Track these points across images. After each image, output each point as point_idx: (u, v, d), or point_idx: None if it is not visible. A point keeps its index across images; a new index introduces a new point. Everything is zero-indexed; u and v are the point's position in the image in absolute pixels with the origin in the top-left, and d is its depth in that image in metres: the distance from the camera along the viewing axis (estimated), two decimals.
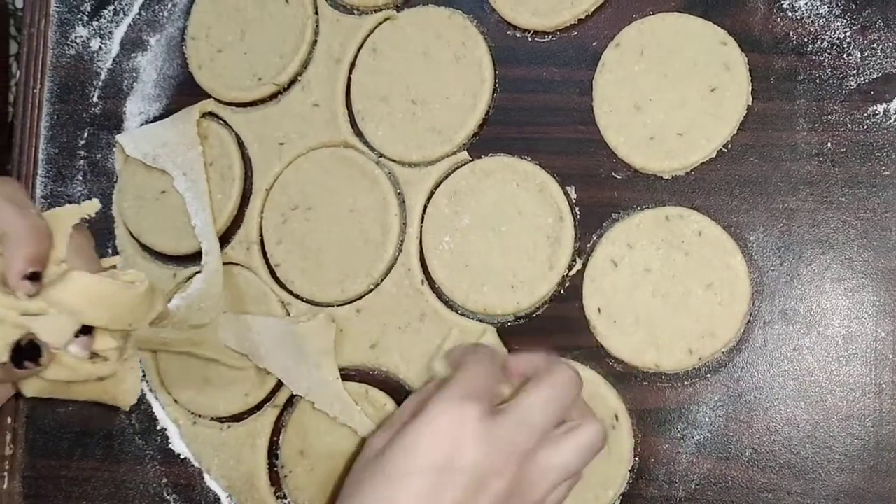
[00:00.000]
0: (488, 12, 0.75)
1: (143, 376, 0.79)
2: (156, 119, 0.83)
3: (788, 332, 0.67)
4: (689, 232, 0.68)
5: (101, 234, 0.84)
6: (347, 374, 0.75)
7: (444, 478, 0.55)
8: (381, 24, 0.78)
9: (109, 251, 0.83)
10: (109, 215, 0.84)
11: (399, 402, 0.73)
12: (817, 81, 0.67)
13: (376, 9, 0.78)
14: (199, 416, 0.78)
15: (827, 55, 0.67)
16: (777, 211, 0.67)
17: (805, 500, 0.65)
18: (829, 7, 0.68)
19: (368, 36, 0.78)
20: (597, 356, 0.70)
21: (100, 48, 0.86)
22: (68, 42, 0.87)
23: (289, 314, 0.77)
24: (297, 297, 0.77)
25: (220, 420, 0.78)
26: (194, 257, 0.80)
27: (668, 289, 0.68)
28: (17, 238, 0.56)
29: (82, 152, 0.85)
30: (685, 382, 0.68)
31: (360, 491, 0.57)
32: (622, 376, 0.69)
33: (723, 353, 0.67)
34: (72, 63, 0.87)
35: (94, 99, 0.86)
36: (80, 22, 0.87)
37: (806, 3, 0.68)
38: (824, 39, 0.68)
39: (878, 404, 0.64)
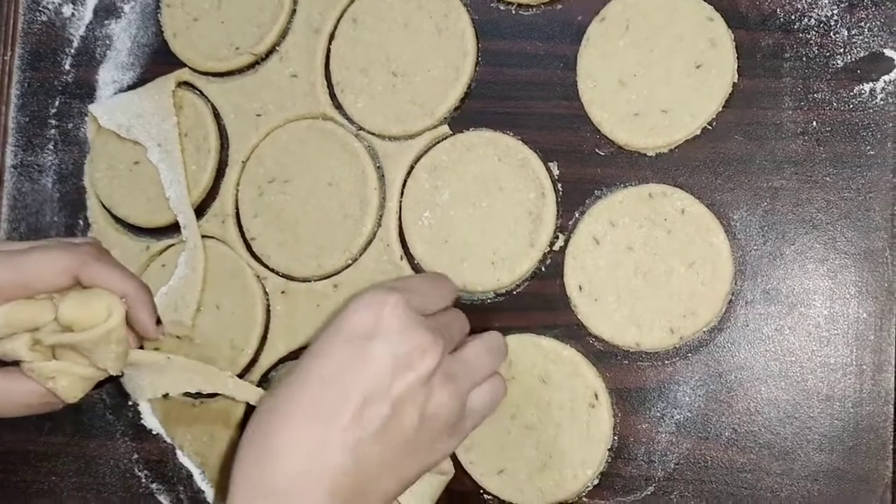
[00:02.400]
0: None
1: None
2: (129, 88, 0.81)
3: (770, 311, 0.66)
4: (672, 210, 0.67)
5: (72, 206, 0.82)
6: None
7: (367, 347, 0.56)
8: None
9: (80, 222, 0.82)
10: (81, 186, 0.82)
11: None
12: (804, 59, 0.67)
13: None
14: None
15: (814, 33, 0.67)
16: (761, 190, 0.67)
17: (784, 481, 0.64)
18: None
19: (349, 6, 0.76)
20: (577, 334, 0.69)
21: (72, 14, 0.84)
22: (40, 8, 0.85)
23: (265, 289, 0.76)
24: (273, 271, 0.76)
25: (193, 396, 0.76)
26: (168, 230, 0.79)
27: (650, 267, 0.67)
28: (137, 297, 0.64)
29: (53, 121, 0.83)
30: (666, 362, 0.67)
31: (287, 375, 0.58)
32: (602, 355, 0.69)
33: (704, 332, 0.67)
34: (43, 29, 0.84)
35: (66, 67, 0.84)
36: None
37: None
38: (812, 17, 0.67)
39: (859, 385, 0.64)
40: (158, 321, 0.66)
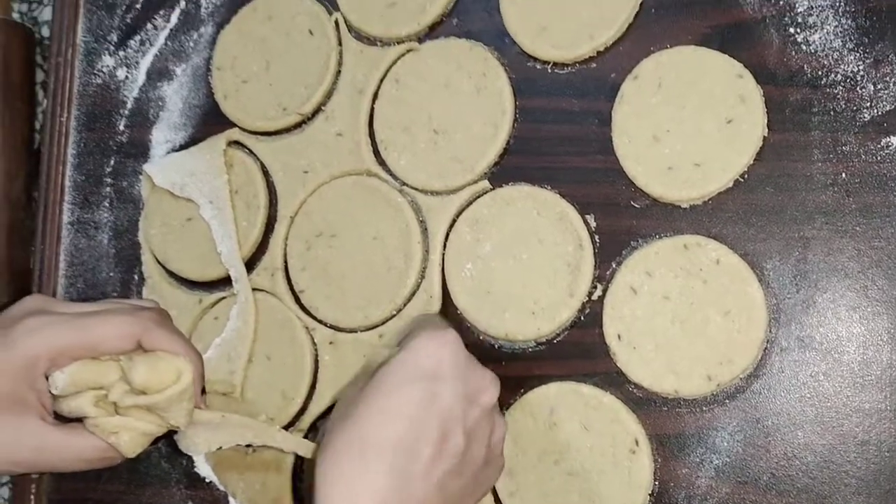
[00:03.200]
0: (509, 44, 0.77)
1: None
2: (181, 147, 0.85)
3: (805, 358, 0.68)
4: (706, 260, 0.69)
5: (127, 261, 0.85)
6: None
7: (436, 385, 0.59)
8: (403, 55, 0.79)
9: (135, 277, 0.85)
10: (136, 242, 0.85)
11: None
12: (831, 113, 0.69)
13: (399, 41, 0.80)
14: None
15: (841, 88, 0.69)
16: (793, 239, 0.68)
17: None
18: (842, 41, 0.69)
19: (391, 67, 0.79)
20: (616, 382, 0.71)
21: (126, 77, 0.88)
22: (95, 71, 0.89)
23: (313, 340, 0.78)
24: (321, 322, 0.79)
25: (245, 445, 0.79)
26: (219, 283, 0.82)
27: (687, 316, 0.69)
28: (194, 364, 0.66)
29: (109, 179, 0.87)
30: (704, 408, 0.69)
31: (355, 411, 0.60)
32: (642, 402, 0.70)
33: (741, 379, 0.69)
34: (98, 92, 0.88)
35: (121, 127, 0.87)
36: (106, 51, 0.89)
37: (820, 38, 0.70)
38: (838, 72, 0.69)
39: (894, 430, 0.65)
40: (203, 390, 0.70)
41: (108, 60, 0.88)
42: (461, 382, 0.60)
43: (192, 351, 0.67)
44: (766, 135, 0.70)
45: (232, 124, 0.83)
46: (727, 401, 0.69)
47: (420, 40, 0.79)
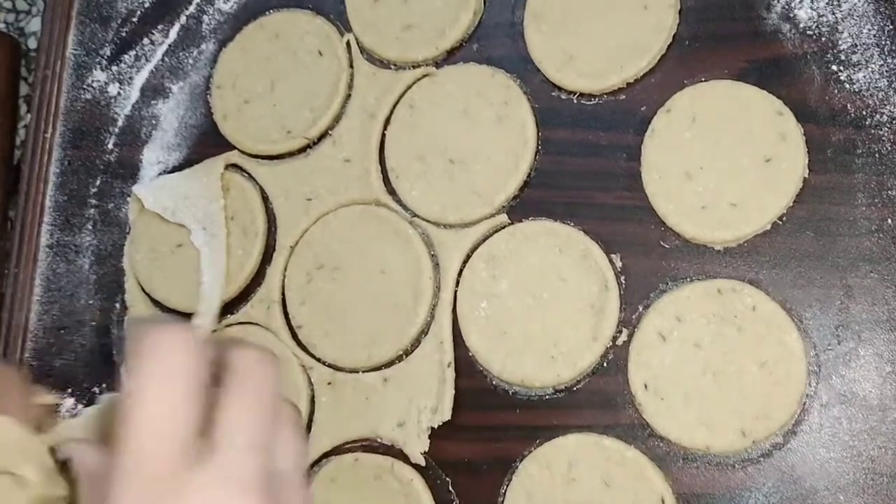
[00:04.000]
0: (532, 72, 0.73)
1: None
2: (174, 169, 0.80)
3: (847, 415, 0.63)
4: (742, 306, 0.65)
5: (109, 288, 0.79)
6: (371, 446, 0.71)
7: None
8: (419, 80, 0.75)
9: (117, 305, 0.79)
10: (119, 268, 0.80)
11: (427, 478, 0.69)
12: (877, 156, 0.65)
13: (415, 65, 0.76)
14: None
15: (886, 129, 0.66)
16: (834, 287, 0.65)
17: None
18: (888, 80, 0.66)
19: (406, 92, 0.75)
20: (641, 435, 0.66)
21: (118, 94, 0.83)
22: (84, 86, 0.83)
23: (310, 379, 0.73)
24: (319, 360, 0.73)
25: None
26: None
27: (720, 366, 0.65)
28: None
29: (93, 200, 0.81)
30: (736, 466, 0.64)
31: None
32: (669, 457, 0.65)
33: (777, 435, 0.64)
34: (87, 107, 0.83)
35: (109, 146, 0.82)
36: (98, 66, 0.84)
37: (864, 76, 0.66)
38: (884, 113, 0.66)
39: None
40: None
41: (99, 75, 0.83)
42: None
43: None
44: (806, 175, 0.66)
45: (230, 146, 0.79)
46: (762, 459, 0.64)
47: (437, 65, 0.76)
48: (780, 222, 0.66)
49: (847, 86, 0.67)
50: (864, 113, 0.66)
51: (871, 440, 0.63)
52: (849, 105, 0.66)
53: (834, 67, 0.67)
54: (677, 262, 0.68)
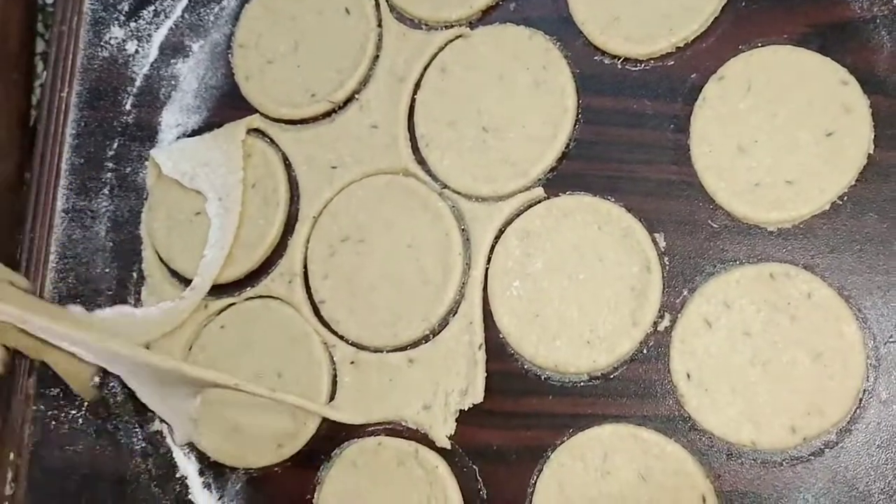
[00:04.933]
0: (574, 35, 0.68)
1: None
2: (194, 133, 0.76)
3: None
4: (796, 293, 0.61)
5: (126, 256, 0.76)
6: (395, 430, 0.67)
7: None
8: (451, 41, 0.71)
9: (134, 274, 0.76)
10: (136, 235, 0.76)
11: (453, 465, 0.66)
12: None
13: (447, 25, 0.72)
14: (226, 467, 0.70)
15: None
16: None
17: None
18: None
19: (437, 53, 0.71)
20: (682, 428, 0.63)
21: (136, 51, 0.79)
22: (102, 43, 0.80)
23: (332, 358, 0.69)
24: (342, 338, 0.70)
25: (249, 472, 0.70)
26: (229, 287, 0.73)
27: (770, 356, 0.61)
28: None
29: (110, 164, 0.78)
30: (785, 464, 0.61)
31: None
32: (711, 452, 0.62)
33: (831, 433, 0.60)
34: (104, 66, 0.79)
35: (127, 107, 0.78)
36: (116, 22, 0.80)
37: None
38: None
39: None
40: None
41: (116, 32, 0.79)
42: None
43: None
44: (871, 152, 0.62)
45: (252, 109, 0.75)
46: (813, 458, 0.60)
47: (471, 25, 0.72)
48: (841, 202, 0.62)
49: None
50: None
51: None
52: None
53: None
54: (726, 243, 0.64)
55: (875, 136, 0.61)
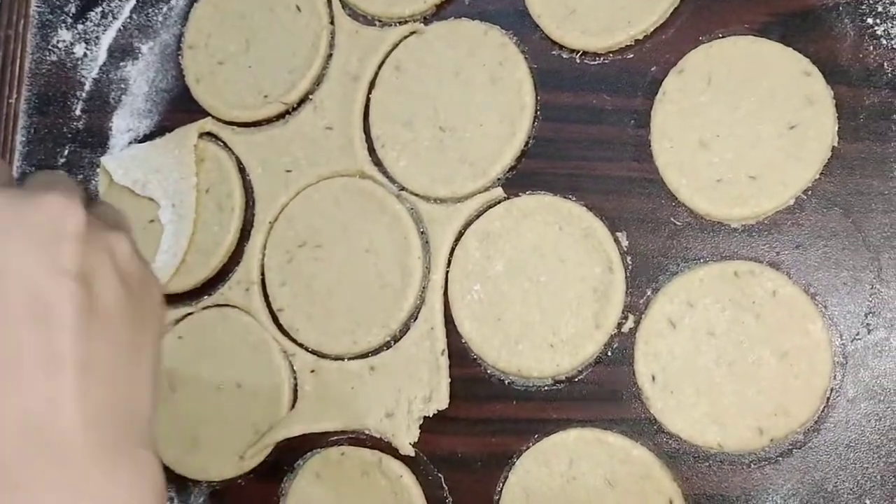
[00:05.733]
0: (530, 29, 0.67)
1: None
2: (145, 137, 0.74)
3: (875, 411, 0.58)
4: (761, 291, 0.60)
5: None
6: (359, 439, 0.66)
7: None
8: (406, 38, 0.69)
9: None
10: None
11: (418, 474, 0.64)
12: None
13: (401, 20, 0.70)
14: (188, 480, 0.68)
15: None
16: (865, 270, 0.59)
17: None
18: None
19: (391, 51, 0.69)
20: (648, 431, 0.61)
21: (85, 55, 0.76)
22: (49, 47, 0.77)
23: (292, 367, 0.68)
24: (301, 346, 0.68)
25: (212, 485, 0.68)
26: (186, 296, 0.71)
27: (736, 356, 0.60)
28: None
29: (61, 171, 0.76)
30: (752, 466, 0.60)
31: None
32: (678, 455, 0.61)
33: (798, 433, 0.59)
34: (53, 71, 0.77)
35: (77, 112, 0.76)
36: (63, 24, 0.77)
37: None
38: None
39: None
40: None
41: (64, 35, 0.77)
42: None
43: None
44: (835, 144, 0.60)
45: (204, 112, 0.73)
46: (781, 458, 0.59)
47: (426, 21, 0.70)
48: (805, 197, 0.61)
49: (884, 41, 0.61)
50: None
51: None
52: (885, 64, 0.61)
53: (870, 20, 0.61)
54: (689, 241, 0.62)
55: (839, 127, 0.60)
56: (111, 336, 0.41)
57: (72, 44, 0.77)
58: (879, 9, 0.60)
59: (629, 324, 0.62)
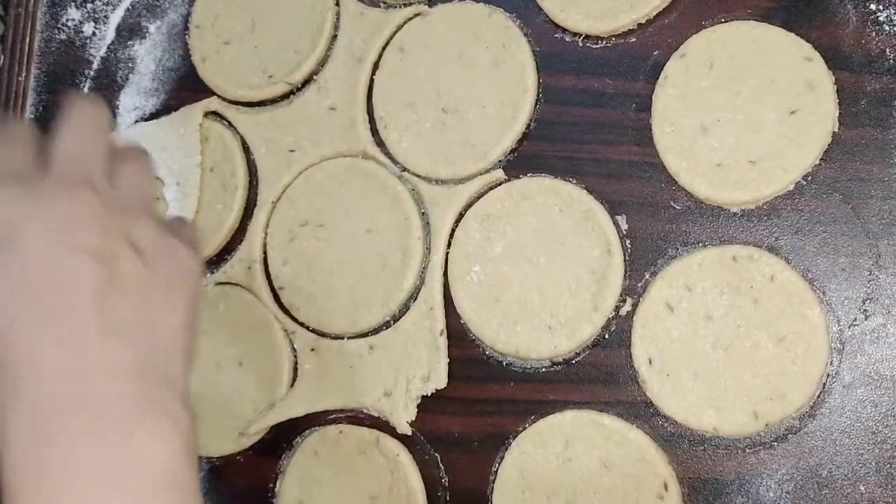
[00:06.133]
0: (534, 12, 0.66)
1: None
2: (152, 116, 0.75)
3: (872, 397, 0.58)
4: (759, 276, 0.59)
5: None
6: (357, 417, 0.66)
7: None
8: (410, 20, 0.69)
9: None
10: None
11: (415, 453, 0.65)
12: None
13: (406, 3, 0.70)
14: None
15: None
16: (864, 256, 0.59)
17: None
18: None
19: (395, 33, 0.69)
20: (644, 414, 0.61)
21: (93, 34, 0.77)
22: (59, 25, 0.78)
23: (293, 345, 0.68)
24: (302, 325, 0.68)
25: (211, 461, 0.69)
26: None
27: (733, 341, 0.59)
28: None
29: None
30: (748, 450, 0.59)
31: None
32: (673, 439, 0.61)
33: (794, 418, 0.59)
34: (62, 49, 0.78)
35: (85, 90, 0.77)
36: (73, 3, 0.78)
37: None
38: None
39: None
40: None
41: (73, 13, 0.78)
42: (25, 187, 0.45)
43: None
44: (836, 130, 0.60)
45: (210, 91, 0.73)
46: (776, 443, 0.59)
47: (430, 3, 0.70)
48: (805, 182, 0.60)
49: (886, 27, 0.60)
50: None
51: None
52: (888, 50, 0.60)
53: (872, 6, 0.60)
54: (689, 225, 0.62)
55: (840, 113, 0.59)
56: (133, 303, 0.45)
57: (81, 22, 0.77)
58: None
59: (627, 307, 0.62)
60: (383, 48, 0.69)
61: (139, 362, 0.44)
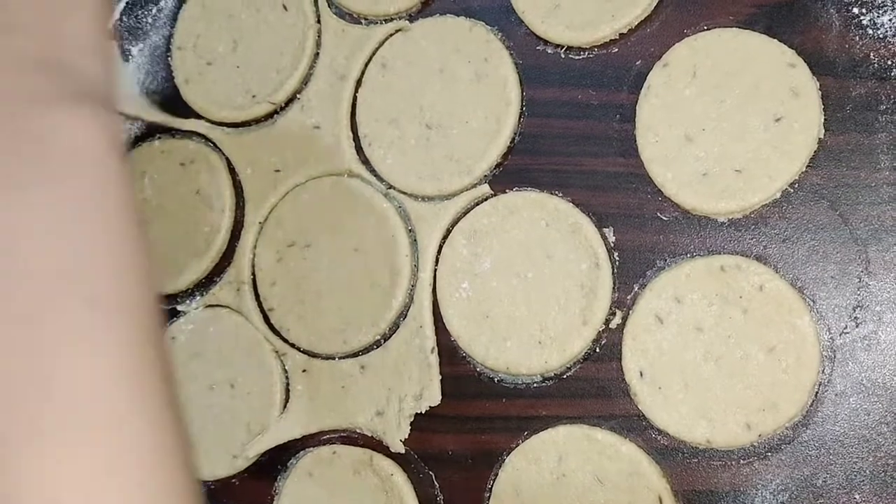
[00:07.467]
0: (515, 24, 0.66)
1: None
2: (137, 139, 0.74)
3: (865, 405, 0.58)
4: (748, 286, 0.59)
5: None
6: (350, 437, 0.66)
7: None
8: (391, 35, 0.69)
9: None
10: None
11: (409, 472, 0.64)
12: None
13: (387, 18, 0.70)
14: None
15: None
16: (853, 263, 0.58)
17: None
18: None
19: (377, 49, 0.69)
20: (637, 427, 0.61)
21: None
22: None
23: (284, 366, 0.68)
24: (293, 346, 0.68)
25: (206, 484, 0.69)
26: (179, 297, 0.71)
27: (723, 351, 0.59)
28: None
29: None
30: (741, 461, 0.59)
31: None
32: (667, 452, 0.60)
33: (786, 428, 0.59)
34: None
35: None
36: None
37: (890, 20, 0.59)
38: None
39: None
40: None
41: None
42: None
43: None
44: (822, 136, 0.60)
45: (194, 113, 0.72)
46: (769, 454, 0.59)
47: (411, 18, 0.70)
48: (792, 190, 0.60)
49: (870, 31, 0.60)
50: (889, 63, 0.59)
51: (891, 433, 0.57)
52: (872, 54, 0.59)
53: (855, 10, 0.60)
54: (676, 235, 0.62)
55: (825, 119, 0.59)
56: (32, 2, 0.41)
57: None
58: None
59: (617, 320, 0.62)
60: (365, 65, 0.69)
61: (47, 58, 0.40)
